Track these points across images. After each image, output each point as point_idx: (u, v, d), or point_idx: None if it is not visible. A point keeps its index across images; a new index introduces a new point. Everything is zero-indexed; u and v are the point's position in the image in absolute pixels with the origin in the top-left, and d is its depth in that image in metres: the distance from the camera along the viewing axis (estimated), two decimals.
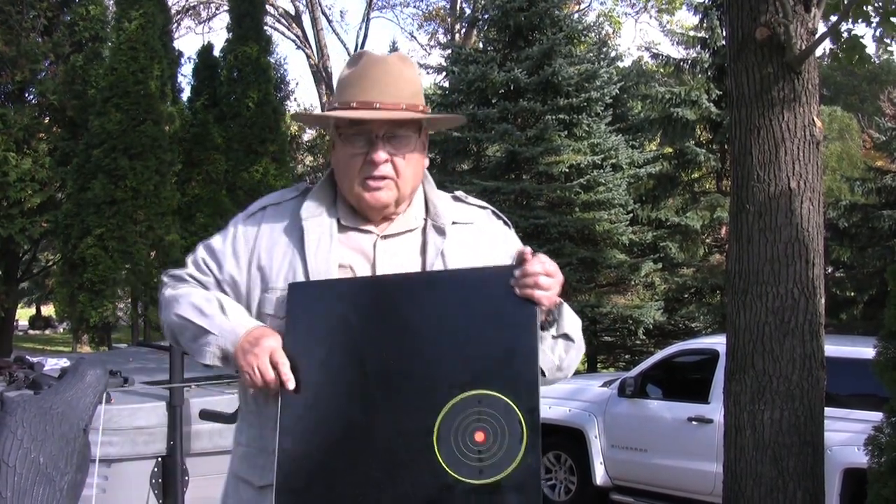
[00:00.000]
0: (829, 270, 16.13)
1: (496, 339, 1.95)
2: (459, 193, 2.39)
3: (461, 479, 1.89)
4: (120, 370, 4.86)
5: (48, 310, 33.42)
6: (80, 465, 3.16)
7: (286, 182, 18.56)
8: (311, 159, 34.84)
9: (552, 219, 15.13)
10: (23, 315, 33.29)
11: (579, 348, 2.18)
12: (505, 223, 2.37)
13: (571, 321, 2.15)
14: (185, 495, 4.37)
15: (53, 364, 5.16)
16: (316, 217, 2.22)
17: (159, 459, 4.38)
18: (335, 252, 2.17)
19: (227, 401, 4.49)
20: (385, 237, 2.22)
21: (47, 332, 34.40)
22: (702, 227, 17.28)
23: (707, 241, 18.00)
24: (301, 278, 2.14)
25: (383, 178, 2.16)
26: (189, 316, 2.15)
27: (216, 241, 2.30)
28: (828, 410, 5.64)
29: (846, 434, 6.44)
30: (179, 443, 4.32)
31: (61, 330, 31.91)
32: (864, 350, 6.19)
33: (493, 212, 2.37)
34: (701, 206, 17.09)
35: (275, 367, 2.00)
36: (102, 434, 4.18)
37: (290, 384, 1.99)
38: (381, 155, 2.15)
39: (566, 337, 2.13)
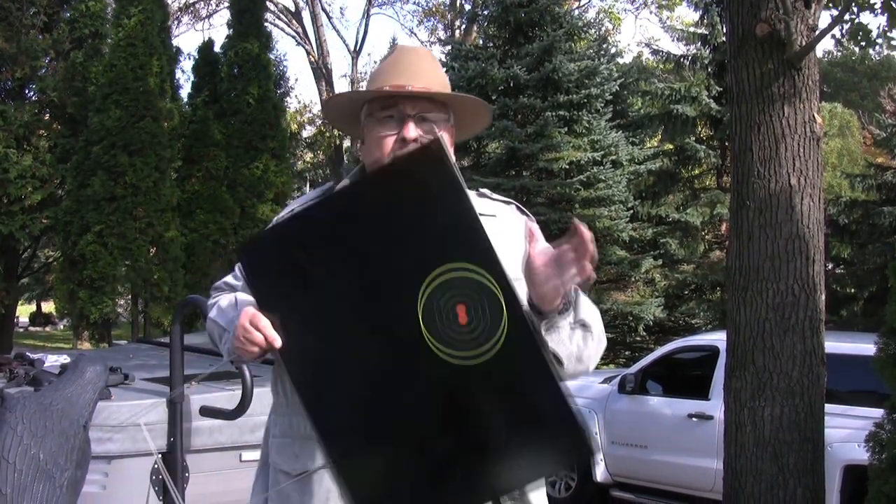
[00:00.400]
0: (830, 267, 16.13)
1: (434, 219, 1.93)
2: (484, 190, 2.43)
3: (462, 359, 1.90)
4: (120, 367, 4.86)
5: (48, 306, 33.41)
6: (81, 462, 3.16)
7: (286, 178, 18.56)
8: (311, 156, 34.86)
9: (552, 215, 15.11)
10: (23, 312, 33.28)
11: (599, 339, 2.16)
12: (529, 218, 2.40)
13: (588, 309, 2.14)
14: (185, 492, 4.36)
15: (54, 361, 5.15)
16: None
17: (159, 456, 4.38)
18: None
19: (227, 397, 4.48)
20: None
21: (47, 328, 34.40)
22: (702, 224, 17.28)
23: (707, 237, 18.01)
24: None
25: None
26: (216, 319, 2.27)
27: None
28: (828, 407, 5.64)
29: (846, 430, 6.44)
30: (180, 439, 4.32)
31: (61, 327, 31.92)
32: (865, 346, 6.18)
33: (518, 207, 2.41)
34: (701, 203, 17.09)
35: (258, 330, 2.04)
36: (102, 431, 4.18)
37: (277, 342, 2.03)
38: (412, 132, 2.20)
39: (583, 326, 2.11)
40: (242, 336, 2.04)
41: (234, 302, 2.24)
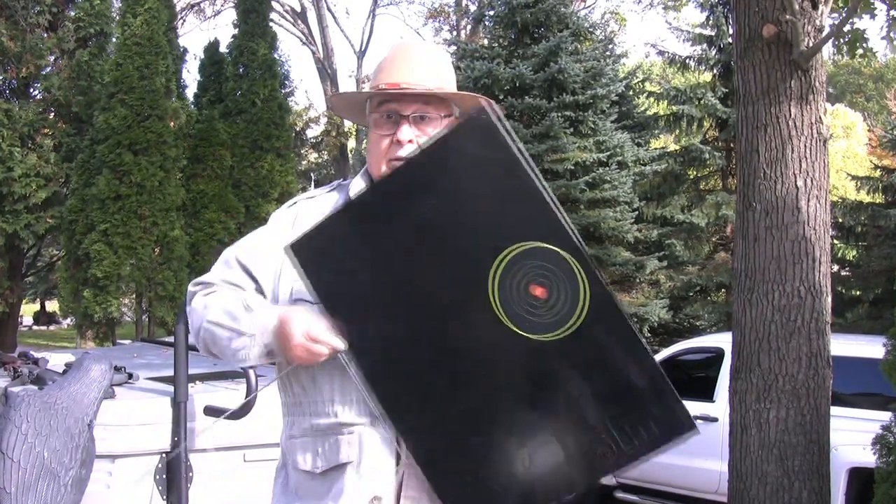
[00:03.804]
0: (835, 269, 16.10)
1: (496, 193, 1.86)
2: None
3: (543, 337, 1.85)
4: (124, 366, 4.85)
5: (52, 305, 33.46)
6: (85, 461, 3.16)
7: (292, 178, 18.57)
8: (315, 155, 34.87)
9: None
10: (27, 311, 33.34)
11: None
12: None
13: None
14: (188, 492, 4.35)
15: (58, 359, 5.15)
16: None
17: (163, 455, 4.37)
18: None
19: (231, 397, 4.48)
20: None
21: (51, 327, 34.45)
22: (707, 225, 17.25)
23: (713, 239, 17.97)
24: None
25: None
26: (221, 321, 2.16)
27: (250, 237, 2.35)
28: (833, 409, 5.62)
29: (852, 433, 6.42)
30: (184, 439, 4.31)
31: (65, 326, 31.97)
32: (871, 349, 6.17)
33: None
34: (707, 204, 17.06)
35: (316, 341, 2.02)
36: (106, 430, 4.17)
37: (342, 346, 2.02)
38: (406, 133, 2.20)
39: None
40: (305, 353, 2.02)
41: (244, 304, 2.15)
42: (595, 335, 1.84)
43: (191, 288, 2.32)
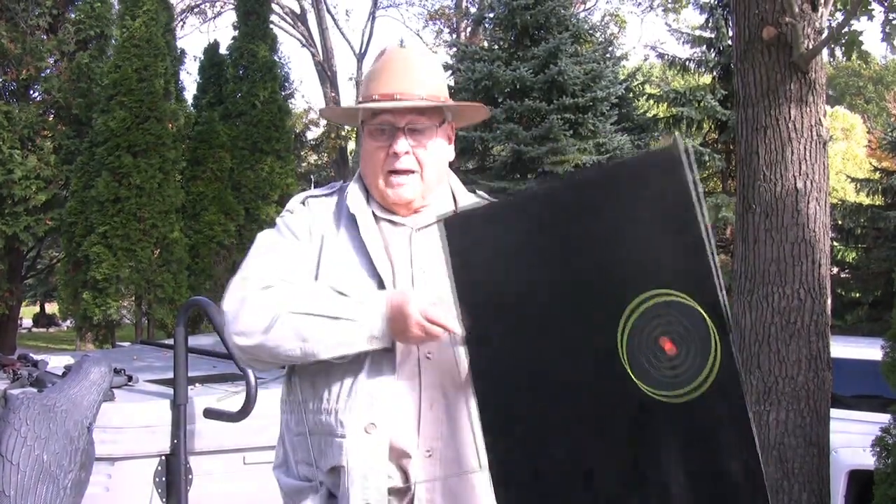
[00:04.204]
0: (835, 271, 16.10)
1: (659, 234, 1.80)
2: (481, 192, 2.44)
3: (657, 393, 1.78)
4: (124, 368, 4.85)
5: (52, 308, 33.43)
6: (84, 464, 3.15)
7: (291, 180, 18.56)
8: (315, 157, 34.85)
9: None
10: (27, 313, 33.32)
11: None
12: None
13: None
14: (188, 494, 4.35)
15: (57, 362, 5.15)
16: (361, 208, 2.25)
17: (163, 458, 4.37)
18: (380, 239, 2.22)
19: (231, 399, 4.47)
20: (419, 230, 2.25)
21: (51, 329, 34.42)
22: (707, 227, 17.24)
23: (712, 241, 17.97)
24: (359, 269, 2.17)
25: (406, 171, 2.21)
26: (312, 310, 2.08)
27: (272, 239, 2.27)
28: (833, 412, 5.62)
29: (851, 435, 6.41)
30: (183, 441, 4.31)
31: (65, 328, 31.94)
32: (870, 351, 6.16)
33: None
34: (706, 207, 17.06)
35: (435, 323, 2.03)
36: (105, 432, 4.17)
37: (459, 331, 2.01)
38: (402, 146, 2.19)
39: None
40: (421, 332, 2.02)
41: (337, 291, 2.09)
42: (711, 410, 1.76)
43: (237, 286, 2.18)
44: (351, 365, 2.11)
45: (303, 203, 2.31)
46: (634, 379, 1.80)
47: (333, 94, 32.03)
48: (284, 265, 2.19)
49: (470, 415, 2.17)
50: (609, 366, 1.81)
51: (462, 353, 2.09)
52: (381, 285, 2.15)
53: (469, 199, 2.36)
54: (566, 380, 1.89)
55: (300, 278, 2.18)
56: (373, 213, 2.26)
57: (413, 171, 2.22)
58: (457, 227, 1.99)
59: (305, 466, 2.21)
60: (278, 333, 2.07)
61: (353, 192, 2.28)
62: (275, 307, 2.08)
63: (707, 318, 1.75)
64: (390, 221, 2.26)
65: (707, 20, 17.87)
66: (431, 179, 2.25)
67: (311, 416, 2.18)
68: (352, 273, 2.17)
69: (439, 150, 2.27)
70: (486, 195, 2.41)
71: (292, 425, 2.26)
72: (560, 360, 1.89)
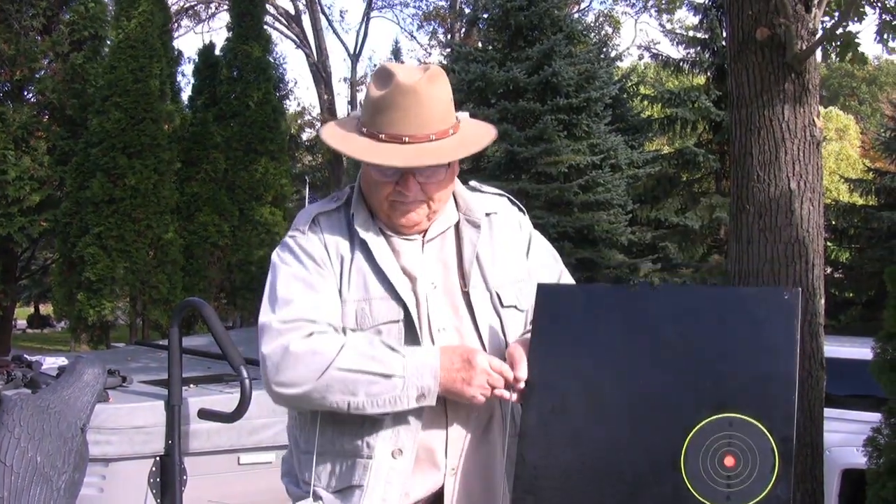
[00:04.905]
0: (828, 271, 16.14)
1: (753, 361, 1.84)
2: (474, 183, 2.40)
3: (707, 503, 1.80)
4: (118, 369, 4.85)
5: (46, 308, 33.38)
6: (78, 465, 3.15)
7: (286, 181, 18.55)
8: (310, 158, 34.84)
9: (551, 219, 15.11)
10: (21, 314, 33.26)
11: None
12: (520, 209, 2.40)
13: None
14: (182, 495, 4.35)
15: (51, 363, 5.15)
16: (370, 229, 2.20)
17: (157, 459, 4.37)
18: (395, 260, 2.18)
19: (225, 400, 4.48)
20: (429, 241, 2.23)
21: (45, 330, 34.36)
22: (701, 228, 17.29)
23: (706, 241, 18.01)
24: (374, 289, 2.14)
25: (414, 202, 2.16)
26: (360, 366, 2.04)
27: (294, 266, 2.18)
28: (826, 411, 5.63)
29: (845, 435, 6.43)
30: (177, 442, 4.31)
31: (59, 329, 31.88)
32: (863, 351, 6.17)
33: (509, 198, 2.40)
34: (700, 207, 17.10)
35: (499, 373, 2.05)
36: (99, 433, 4.17)
37: (520, 384, 2.03)
38: (412, 188, 2.14)
39: None
40: (485, 385, 2.04)
41: (386, 345, 2.07)
42: None
43: (276, 330, 2.08)
44: None
45: (314, 222, 2.22)
46: (688, 485, 1.83)
47: (328, 95, 32.02)
48: (320, 304, 2.12)
49: (497, 434, 2.19)
50: (665, 470, 1.84)
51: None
52: (407, 312, 2.12)
53: (472, 198, 2.31)
54: (609, 468, 1.90)
55: (337, 317, 2.13)
56: (381, 229, 2.21)
57: (422, 202, 2.17)
58: (549, 293, 2.08)
59: (308, 483, 2.18)
60: (325, 387, 2.03)
61: (359, 214, 2.21)
62: (322, 361, 2.02)
63: (774, 448, 1.79)
64: (400, 236, 2.22)
65: (701, 21, 17.90)
66: (438, 206, 2.20)
67: (328, 435, 2.16)
68: (377, 303, 2.14)
69: (448, 179, 2.21)
70: (482, 186, 2.38)
71: (301, 443, 2.24)
72: (610, 447, 1.91)
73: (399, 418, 2.10)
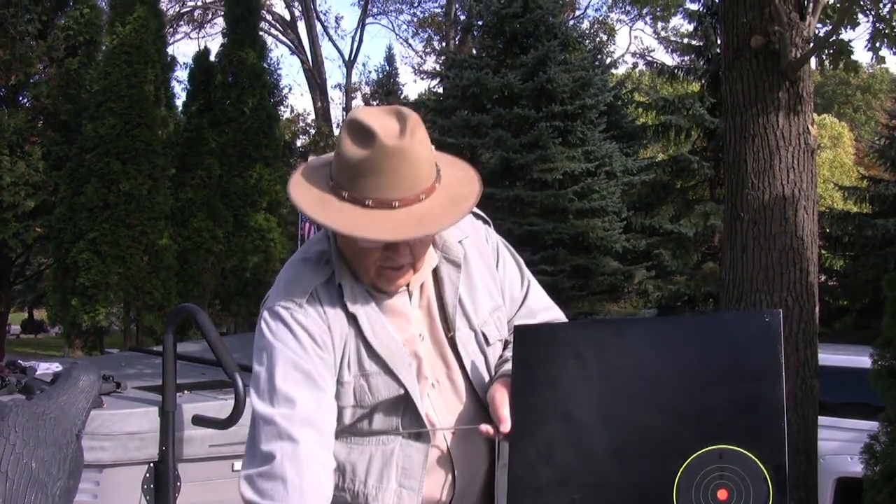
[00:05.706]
0: (823, 279, 16.16)
1: (738, 390, 1.81)
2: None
3: None
4: (113, 375, 4.83)
5: (41, 314, 33.30)
6: (73, 471, 3.14)
7: (280, 187, 18.53)
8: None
9: (546, 226, 15.13)
10: (15, 319, 33.19)
11: None
12: (484, 221, 2.30)
13: None
14: (176, 501, 4.34)
15: (46, 368, 5.13)
16: (358, 300, 2.07)
17: (151, 465, 4.36)
18: (388, 326, 2.07)
19: (219, 406, 4.47)
20: (414, 289, 2.14)
21: (40, 336, 34.27)
22: (695, 235, 17.31)
23: (701, 248, 18.03)
24: (370, 365, 2.04)
25: (401, 266, 2.03)
26: None
27: (291, 346, 2.02)
28: (821, 419, 5.63)
29: (839, 443, 6.44)
30: (171, 448, 4.30)
31: (54, 334, 31.82)
32: (858, 359, 6.18)
33: (473, 213, 2.26)
34: (695, 214, 17.12)
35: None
36: (94, 439, 4.16)
37: (505, 427, 1.96)
38: (403, 254, 2.01)
39: None
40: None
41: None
42: None
43: (265, 428, 1.99)
44: (386, 439, 2.08)
45: (312, 295, 2.05)
46: None
47: (322, 101, 32.04)
48: (321, 400, 2.00)
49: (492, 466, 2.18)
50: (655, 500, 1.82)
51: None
52: (406, 387, 2.05)
53: (446, 231, 2.15)
54: (602, 499, 1.88)
55: (334, 411, 2.03)
56: (368, 291, 2.08)
57: (410, 264, 2.04)
58: (527, 333, 2.02)
59: None
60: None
61: (345, 282, 2.07)
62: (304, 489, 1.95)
63: (769, 479, 1.77)
64: (388, 293, 2.11)
65: (696, 28, 17.94)
66: (423, 260, 2.09)
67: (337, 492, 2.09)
68: (374, 379, 2.05)
69: (432, 237, 2.09)
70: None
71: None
72: (599, 491, 1.88)
73: (406, 464, 2.07)
